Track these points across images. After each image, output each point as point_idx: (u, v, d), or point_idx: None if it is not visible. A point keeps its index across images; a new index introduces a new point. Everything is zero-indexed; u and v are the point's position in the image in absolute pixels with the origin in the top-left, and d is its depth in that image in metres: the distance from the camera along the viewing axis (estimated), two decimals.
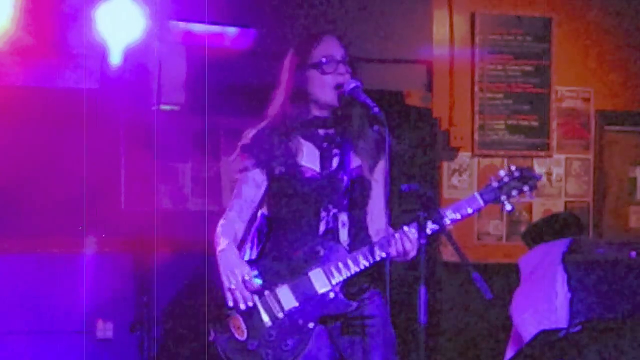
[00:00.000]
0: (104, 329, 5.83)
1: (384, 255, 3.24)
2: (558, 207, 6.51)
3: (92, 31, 5.24)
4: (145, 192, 5.99)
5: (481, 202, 3.31)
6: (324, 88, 3.34)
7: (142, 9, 5.29)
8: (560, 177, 6.54)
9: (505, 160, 6.45)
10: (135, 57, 5.42)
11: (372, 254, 3.26)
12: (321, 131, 3.39)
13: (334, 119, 3.39)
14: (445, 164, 6.36)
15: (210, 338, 3.34)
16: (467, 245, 6.12)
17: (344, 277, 3.28)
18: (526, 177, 3.37)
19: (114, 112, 5.76)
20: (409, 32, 6.21)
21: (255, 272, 3.28)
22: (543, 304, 4.85)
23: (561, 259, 4.91)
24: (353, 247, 3.32)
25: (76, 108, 5.55)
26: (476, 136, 6.37)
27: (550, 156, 6.50)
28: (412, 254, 3.25)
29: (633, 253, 4.95)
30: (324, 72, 3.34)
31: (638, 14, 6.64)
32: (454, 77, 6.34)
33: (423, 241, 3.21)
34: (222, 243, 3.30)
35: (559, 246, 5.04)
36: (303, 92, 3.35)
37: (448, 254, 6.20)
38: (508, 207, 3.34)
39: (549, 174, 6.53)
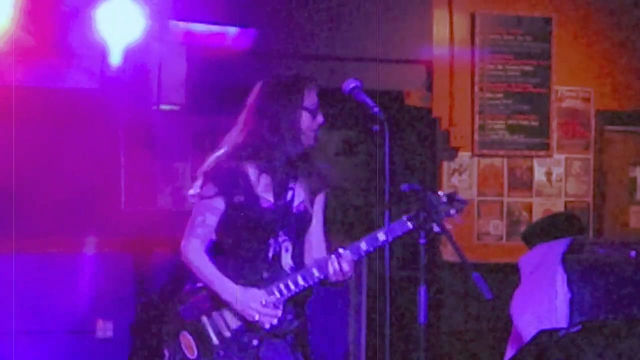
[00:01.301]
0: (104, 329, 5.82)
1: (321, 276, 3.47)
2: (558, 207, 6.52)
3: (92, 31, 5.24)
4: (145, 192, 5.99)
5: (410, 226, 3.46)
6: (308, 127, 3.54)
7: (142, 9, 5.29)
8: (560, 177, 6.55)
9: (505, 160, 6.45)
10: (135, 57, 5.42)
11: (311, 275, 3.49)
12: (278, 164, 3.54)
13: (291, 158, 3.57)
14: (445, 164, 6.36)
15: (164, 359, 3.56)
16: (467, 245, 6.12)
17: (286, 297, 3.49)
18: (453, 201, 3.53)
19: (114, 112, 5.76)
20: (409, 32, 6.21)
21: (265, 299, 3.47)
22: (543, 304, 4.85)
23: (561, 259, 4.91)
24: (294, 270, 3.55)
25: (76, 108, 5.55)
26: (476, 136, 6.37)
27: (550, 156, 6.51)
28: (349, 274, 3.47)
29: (633, 253, 4.95)
30: (313, 115, 3.55)
31: (638, 14, 6.64)
32: (454, 77, 6.34)
33: (423, 241, 3.29)
34: (216, 279, 3.48)
35: (559, 246, 5.04)
36: (287, 127, 3.50)
37: (448, 254, 6.20)
38: (436, 228, 3.44)
39: (549, 174, 6.53)
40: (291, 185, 3.58)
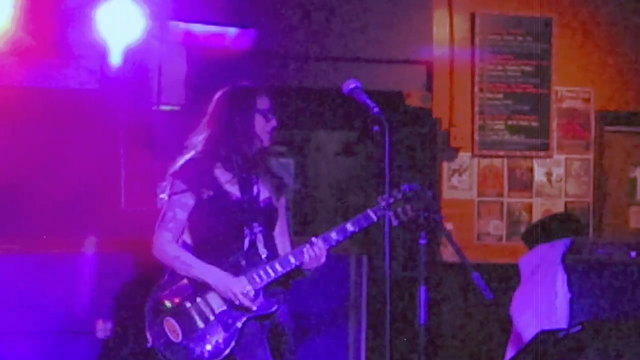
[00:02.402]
0: (104, 329, 5.82)
1: (297, 262, 3.72)
2: (558, 207, 6.52)
3: (92, 31, 5.24)
4: (145, 192, 5.98)
5: (374, 218, 3.76)
6: (262, 130, 3.80)
7: (142, 9, 5.29)
8: (560, 177, 6.55)
9: (505, 160, 6.45)
10: (135, 57, 5.42)
11: (288, 262, 3.73)
12: (241, 165, 3.80)
13: (250, 159, 3.82)
14: (445, 164, 6.37)
15: (149, 344, 3.75)
16: (467, 245, 6.12)
17: (265, 282, 3.71)
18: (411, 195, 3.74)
19: (114, 112, 5.75)
20: (409, 32, 6.21)
21: (249, 286, 3.70)
22: (543, 304, 4.86)
23: (561, 259, 4.92)
24: (270, 258, 3.78)
25: (76, 108, 5.54)
26: (476, 136, 6.37)
27: (550, 156, 6.51)
28: (322, 259, 3.75)
29: (633, 253, 4.95)
30: (266, 118, 3.80)
31: (638, 14, 6.64)
32: (454, 77, 6.34)
33: (423, 241, 3.33)
34: (196, 263, 3.72)
35: (559, 246, 5.04)
36: (243, 131, 3.78)
37: (448, 254, 6.20)
38: (395, 222, 3.72)
39: (549, 174, 6.53)
40: (254, 181, 3.82)
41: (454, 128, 6.33)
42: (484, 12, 6.39)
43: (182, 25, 5.63)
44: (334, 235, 3.76)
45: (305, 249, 3.72)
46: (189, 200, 3.77)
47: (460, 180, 6.37)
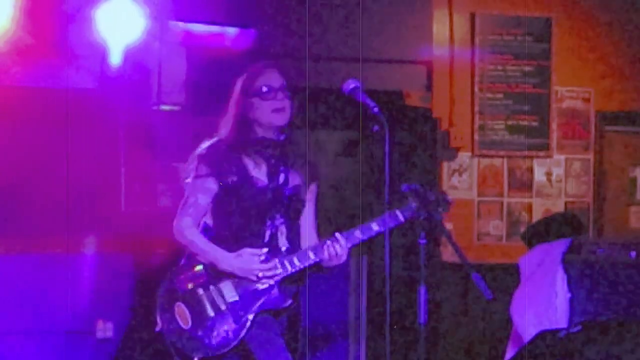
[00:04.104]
0: (104, 329, 5.82)
1: (317, 259, 3.63)
2: (558, 207, 6.52)
3: (92, 31, 5.24)
4: (145, 192, 5.99)
5: (402, 218, 3.64)
6: (264, 112, 3.68)
7: (142, 9, 5.29)
8: (560, 177, 6.55)
9: (505, 160, 6.45)
10: (135, 57, 5.42)
11: (307, 257, 3.65)
12: (268, 151, 3.72)
13: (278, 142, 3.74)
14: (445, 164, 6.37)
15: (157, 328, 3.67)
16: (467, 245, 6.12)
17: (282, 275, 3.63)
18: (440, 201, 3.66)
19: (114, 112, 5.76)
20: (409, 32, 6.21)
21: (263, 252, 3.60)
22: (543, 304, 4.86)
23: (561, 259, 4.92)
24: (290, 251, 3.69)
25: (76, 108, 5.54)
26: (476, 136, 6.37)
27: (550, 156, 6.51)
28: (343, 257, 3.65)
29: (633, 253, 4.95)
30: (263, 99, 3.69)
31: (638, 14, 6.64)
32: (454, 77, 6.34)
33: (423, 241, 3.33)
34: (212, 250, 3.65)
35: (559, 246, 5.04)
36: (248, 115, 3.71)
37: (448, 254, 6.20)
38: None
39: (549, 174, 6.53)
40: (282, 168, 3.71)
41: (454, 128, 6.33)
42: (484, 12, 6.39)
43: (182, 25, 5.63)
44: (357, 233, 3.66)
45: (326, 246, 3.62)
46: (212, 185, 3.69)
47: (460, 180, 6.37)
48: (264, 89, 3.70)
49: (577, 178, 6.58)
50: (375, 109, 3.44)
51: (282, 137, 3.73)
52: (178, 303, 3.65)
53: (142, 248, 5.84)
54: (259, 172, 3.69)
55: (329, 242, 3.62)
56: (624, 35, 6.63)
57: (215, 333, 3.60)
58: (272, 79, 3.74)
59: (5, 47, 5.19)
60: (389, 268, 3.48)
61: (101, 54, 5.34)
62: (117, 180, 5.92)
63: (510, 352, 5.05)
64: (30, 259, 5.69)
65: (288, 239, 3.71)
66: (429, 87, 6.33)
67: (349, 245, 3.64)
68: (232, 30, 5.73)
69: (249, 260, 3.58)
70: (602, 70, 6.60)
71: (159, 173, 6.06)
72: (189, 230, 3.69)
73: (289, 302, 3.66)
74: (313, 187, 3.86)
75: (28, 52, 5.26)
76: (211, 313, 3.62)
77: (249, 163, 3.69)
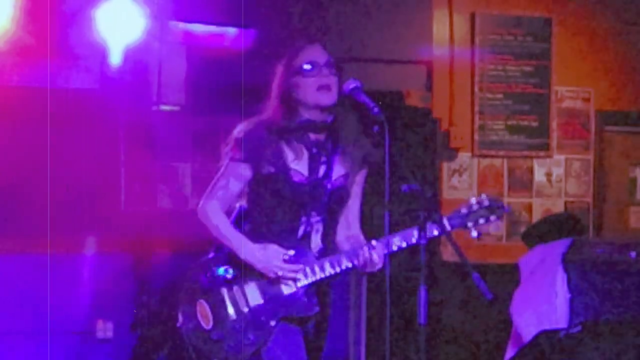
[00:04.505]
0: (104, 329, 5.82)
1: (350, 265, 3.43)
2: (558, 207, 6.51)
3: (92, 31, 5.24)
4: (145, 192, 5.99)
5: (448, 227, 3.45)
6: (307, 90, 3.45)
7: (142, 9, 5.29)
8: (560, 177, 6.54)
9: (505, 160, 6.45)
10: (135, 57, 5.42)
11: (339, 263, 3.44)
12: (312, 135, 3.50)
13: (325, 124, 3.50)
14: (445, 164, 6.36)
15: (178, 324, 3.49)
16: (467, 245, 6.10)
17: (310, 281, 3.45)
18: (494, 208, 3.51)
19: (114, 112, 5.76)
20: (409, 32, 6.21)
21: (289, 253, 3.41)
22: (543, 304, 4.86)
23: (561, 259, 4.92)
24: (323, 253, 3.50)
25: (76, 108, 5.55)
26: (476, 136, 6.37)
27: (550, 156, 6.50)
28: (379, 266, 3.42)
29: (633, 253, 4.95)
30: (306, 76, 3.46)
31: (638, 14, 6.64)
32: (454, 77, 6.34)
33: (423, 241, 3.29)
34: (235, 238, 3.44)
35: (559, 246, 5.04)
36: (291, 97, 3.47)
37: (448, 254, 6.20)
38: (474, 233, 3.49)
39: (549, 174, 6.53)
40: (323, 159, 3.50)
41: (454, 128, 6.32)
42: (484, 12, 6.38)
43: (182, 25, 5.63)
44: (397, 241, 3.46)
45: (361, 253, 3.39)
46: (247, 171, 3.47)
47: (460, 180, 6.37)
48: (307, 65, 3.47)
49: (577, 178, 6.58)
50: (375, 109, 3.34)
51: (329, 119, 3.50)
52: (200, 301, 3.48)
53: (142, 248, 5.84)
54: (298, 164, 3.47)
55: (365, 247, 3.40)
56: (623, 35, 6.63)
57: (234, 337, 3.43)
58: (316, 54, 3.51)
59: (5, 47, 5.19)
60: (389, 268, 3.46)
61: (101, 54, 5.34)
62: (117, 180, 5.92)
63: (510, 352, 5.05)
64: (30, 259, 5.69)
65: (323, 238, 3.52)
66: (429, 87, 6.33)
67: (387, 252, 3.41)
68: (232, 30, 5.73)
69: (271, 255, 3.40)
70: (602, 70, 6.60)
71: (159, 173, 6.06)
72: (215, 213, 3.48)
73: (316, 309, 3.48)
74: (363, 172, 3.62)
75: (28, 52, 5.26)
76: (233, 315, 3.45)
77: (288, 152, 3.46)
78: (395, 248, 3.44)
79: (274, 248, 3.42)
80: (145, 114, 5.74)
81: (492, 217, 3.50)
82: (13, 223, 5.58)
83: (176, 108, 5.70)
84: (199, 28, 5.66)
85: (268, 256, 3.41)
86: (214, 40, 5.67)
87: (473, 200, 3.49)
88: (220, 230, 3.48)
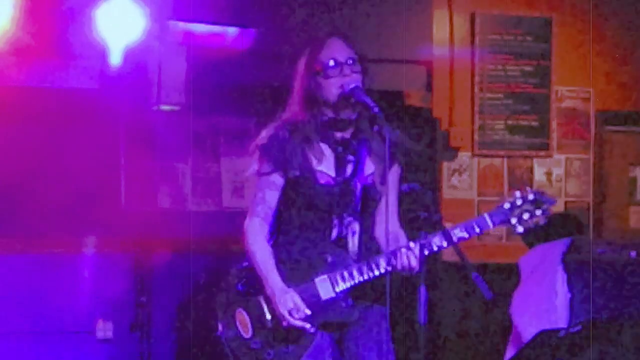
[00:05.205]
0: (104, 329, 5.82)
1: (389, 268, 3.31)
2: (558, 207, 6.51)
3: (92, 31, 5.24)
4: (145, 192, 5.99)
5: (490, 224, 3.36)
6: (330, 91, 3.37)
7: (142, 9, 5.28)
8: (560, 177, 6.54)
9: (505, 160, 6.45)
10: (135, 57, 5.42)
11: (378, 266, 3.33)
12: (338, 134, 3.42)
13: (350, 122, 3.42)
14: (445, 164, 6.36)
15: (218, 332, 3.39)
16: (467, 245, 6.10)
17: (348, 285, 3.34)
18: (540, 202, 3.37)
19: (114, 112, 5.76)
20: (409, 32, 6.21)
21: (305, 310, 3.31)
22: (543, 304, 4.85)
23: (561, 259, 4.91)
24: (361, 255, 3.40)
25: (76, 108, 5.55)
26: (476, 136, 6.37)
27: (550, 156, 6.50)
28: (417, 269, 3.32)
29: (633, 253, 4.95)
30: (328, 76, 3.36)
31: (638, 14, 6.64)
32: (454, 77, 6.34)
33: (423, 241, 3.27)
34: (267, 270, 3.34)
35: (559, 246, 5.04)
36: (314, 96, 3.39)
37: (448, 254, 6.18)
38: (520, 229, 3.37)
39: (549, 174, 6.53)
40: (350, 157, 3.41)
41: (454, 128, 6.32)
42: (484, 12, 6.38)
43: (182, 25, 5.62)
44: (436, 240, 3.34)
45: (399, 254, 3.29)
46: (278, 179, 3.37)
47: (460, 180, 6.37)
48: (328, 64, 3.36)
49: (577, 178, 6.58)
50: (376, 109, 3.30)
51: (354, 116, 3.40)
52: (239, 309, 3.38)
53: (142, 248, 5.85)
54: (323, 165, 3.38)
55: (403, 249, 3.30)
56: (624, 35, 6.63)
57: (275, 346, 3.34)
58: (337, 51, 3.40)
59: (5, 47, 5.19)
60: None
61: (101, 54, 5.34)
62: (117, 180, 5.92)
63: (510, 352, 5.05)
64: (30, 259, 5.69)
65: (360, 239, 3.41)
66: (429, 87, 6.33)
67: (426, 253, 3.30)
68: (232, 30, 5.73)
69: (285, 302, 3.28)
70: (602, 70, 6.60)
71: (159, 173, 6.06)
72: (254, 238, 3.38)
73: (355, 314, 3.39)
74: (395, 168, 3.50)
75: (28, 52, 5.26)
76: (270, 324, 3.35)
77: (313, 153, 3.37)
78: (435, 249, 3.35)
79: (294, 299, 3.29)
80: (145, 114, 5.73)
81: (538, 212, 3.35)
82: (13, 223, 5.58)
83: (176, 108, 5.69)
84: (199, 28, 5.65)
85: (282, 301, 3.29)
86: (214, 40, 5.66)
87: (517, 194, 3.35)
88: (255, 258, 3.38)
